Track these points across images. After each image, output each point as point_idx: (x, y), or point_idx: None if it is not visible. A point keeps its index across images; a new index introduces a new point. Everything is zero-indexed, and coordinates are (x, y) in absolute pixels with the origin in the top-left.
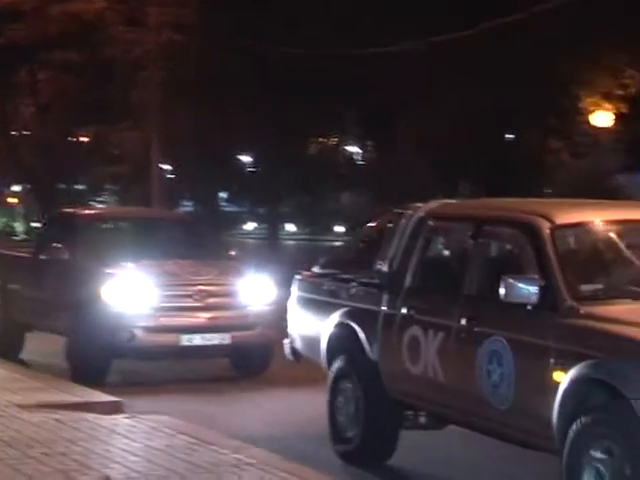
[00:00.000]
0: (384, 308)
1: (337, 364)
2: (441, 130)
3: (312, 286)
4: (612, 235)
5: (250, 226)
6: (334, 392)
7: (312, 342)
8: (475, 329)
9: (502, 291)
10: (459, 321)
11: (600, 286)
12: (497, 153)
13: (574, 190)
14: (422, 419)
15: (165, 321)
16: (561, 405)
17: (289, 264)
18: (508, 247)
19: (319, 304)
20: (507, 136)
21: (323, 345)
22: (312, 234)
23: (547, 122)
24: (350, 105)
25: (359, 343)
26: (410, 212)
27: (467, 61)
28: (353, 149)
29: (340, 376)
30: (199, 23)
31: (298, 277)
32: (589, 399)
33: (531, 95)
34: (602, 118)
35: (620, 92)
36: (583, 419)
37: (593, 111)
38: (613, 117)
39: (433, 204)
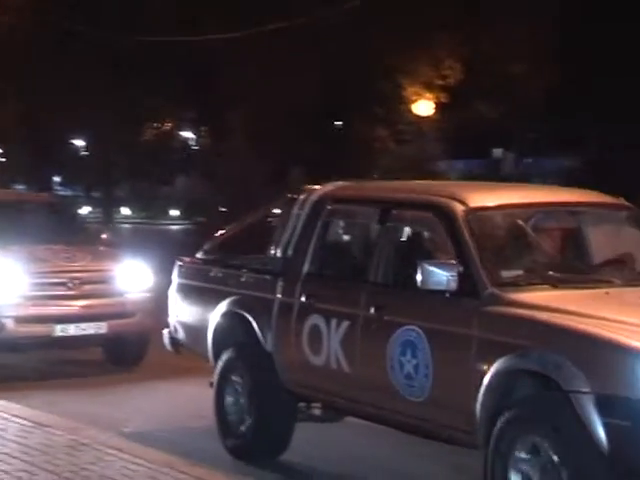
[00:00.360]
0: (279, 296)
1: (226, 355)
2: (270, 118)
3: (196, 273)
4: (528, 219)
5: (85, 210)
6: (222, 385)
7: (196, 332)
8: (385, 318)
9: (419, 277)
10: (367, 310)
11: (520, 272)
12: (327, 140)
13: (399, 175)
14: (316, 411)
15: (37, 310)
16: (485, 398)
17: (160, 249)
18: (419, 232)
19: (204, 292)
20: (336, 123)
21: (209, 336)
22: (148, 218)
23: (373, 111)
24: (184, 90)
25: (251, 333)
26: (305, 195)
27: (295, 50)
28: (188, 134)
29: (229, 368)
30: (27, 5)
31: (179, 263)
32: (517, 391)
33: (357, 85)
34: (424, 107)
35: (440, 82)
36: (508, 413)
37: (415, 100)
38: (434, 106)
39: (330, 186)
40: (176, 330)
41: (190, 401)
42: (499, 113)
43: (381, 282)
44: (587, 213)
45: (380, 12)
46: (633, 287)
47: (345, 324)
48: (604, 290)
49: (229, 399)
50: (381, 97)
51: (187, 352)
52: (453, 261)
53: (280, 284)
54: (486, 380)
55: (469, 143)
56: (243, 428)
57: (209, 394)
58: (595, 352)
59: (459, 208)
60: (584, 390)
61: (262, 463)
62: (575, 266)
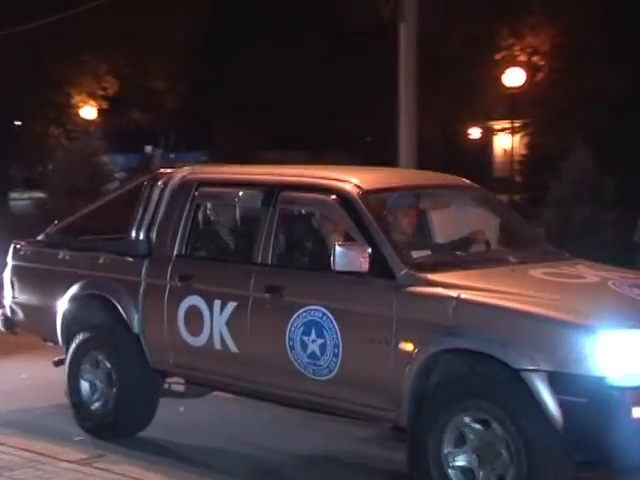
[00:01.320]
0: (146, 278)
1: (81, 337)
2: None
3: (39, 255)
4: (421, 201)
5: None
6: (77, 367)
7: (38, 314)
8: (284, 299)
9: (332, 259)
10: (259, 291)
11: (427, 252)
12: (5, 138)
13: (70, 167)
14: (179, 388)
15: None
16: (413, 376)
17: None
18: (313, 214)
19: (51, 274)
20: (16, 123)
21: (58, 318)
22: None
23: (47, 114)
24: None
25: (114, 315)
26: (165, 178)
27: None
28: None
29: (86, 349)
30: None
31: (18, 245)
32: (442, 370)
33: (35, 92)
34: (89, 112)
35: (101, 92)
36: (439, 391)
37: (82, 106)
38: (97, 111)
39: (194, 169)
40: (13, 312)
41: (39, 379)
42: (148, 119)
43: (272, 263)
44: (458, 194)
45: (51, 33)
46: (529, 264)
47: (231, 305)
48: (509, 268)
49: (85, 380)
50: (54, 103)
51: (24, 333)
52: (364, 243)
53: (146, 266)
54: (414, 358)
55: (127, 141)
56: (101, 408)
57: (56, 371)
58: (541, 330)
59: (354, 190)
60: (535, 368)
61: (123, 440)
62: (467, 246)
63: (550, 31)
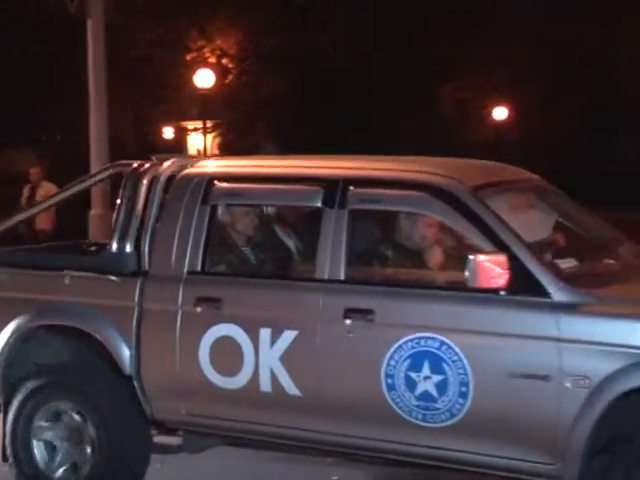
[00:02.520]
0: (144, 303)
1: (33, 385)
2: None
3: None
4: (523, 197)
5: None
6: (27, 424)
7: None
8: (377, 325)
9: (471, 274)
10: (332, 315)
11: (572, 261)
12: None
13: None
14: (176, 441)
15: None
16: (594, 423)
17: None
18: (396, 216)
19: None
20: None
21: None
22: None
23: None
24: None
25: (89, 353)
26: (152, 171)
27: None
28: None
29: (43, 400)
30: None
31: None
32: None
33: None
34: None
35: None
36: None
37: None
38: None
39: (203, 161)
40: None
41: None
42: None
43: (348, 279)
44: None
45: None
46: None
47: (288, 335)
48: None
49: (40, 441)
50: None
51: None
52: (497, 251)
53: (140, 287)
54: (593, 398)
55: None
56: (69, 474)
57: None
58: None
59: (461, 186)
60: None
61: None
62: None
63: (237, 35)
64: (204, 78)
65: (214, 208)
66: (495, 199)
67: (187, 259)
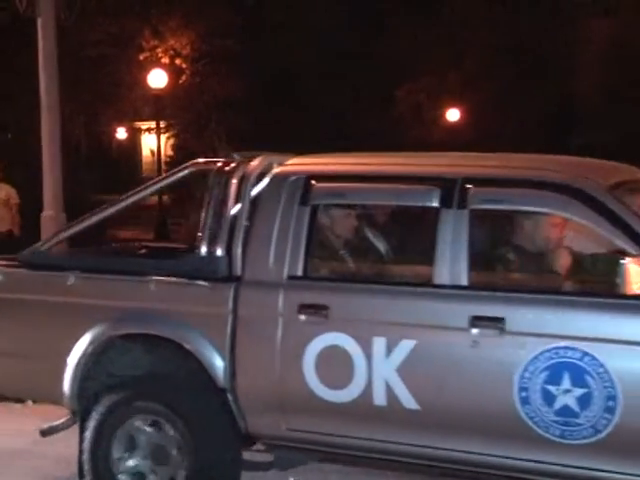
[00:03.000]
0: (240, 309)
1: (114, 398)
2: None
3: (29, 281)
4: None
5: None
6: (106, 439)
7: (18, 367)
8: (508, 334)
9: (618, 279)
10: (455, 323)
11: None
12: None
13: None
14: (266, 457)
15: None
16: None
17: None
18: (523, 217)
19: (51, 308)
20: None
21: (70, 370)
22: None
23: None
24: None
25: (177, 363)
26: (241, 169)
27: None
28: None
29: (126, 415)
30: None
31: None
32: None
33: None
34: None
35: None
36: None
37: None
38: None
39: (299, 159)
40: None
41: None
42: None
43: (472, 285)
44: None
45: None
46: None
47: (406, 344)
48: None
49: (123, 459)
50: None
51: None
52: None
53: (234, 293)
54: None
55: None
56: None
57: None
58: None
59: (598, 186)
60: None
61: None
62: None
63: (190, 35)
64: (157, 78)
65: (314, 209)
66: (627, 199)
67: (287, 263)
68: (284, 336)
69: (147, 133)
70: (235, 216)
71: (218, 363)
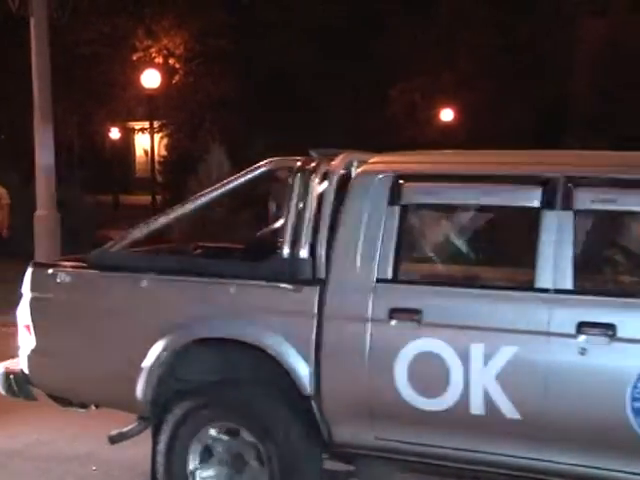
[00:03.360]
0: (326, 313)
1: (189, 405)
2: None
3: (100, 282)
4: None
5: None
6: (182, 447)
7: (89, 371)
8: (619, 340)
9: None
10: (563, 329)
11: None
12: None
13: None
14: (346, 466)
15: None
16: None
17: None
18: (628, 218)
19: (121, 311)
20: None
21: (144, 375)
22: None
23: None
24: None
25: (256, 369)
26: (322, 167)
27: None
28: None
29: (202, 422)
30: None
31: (48, 269)
32: None
33: None
34: None
35: None
36: None
37: None
38: None
39: (383, 157)
40: (34, 368)
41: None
42: None
43: (579, 289)
44: None
45: None
46: None
47: (506, 351)
48: None
49: (198, 470)
50: None
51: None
52: None
53: (319, 296)
54: None
55: None
56: None
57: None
58: None
59: None
60: None
61: None
62: None
63: (184, 35)
64: (151, 78)
65: (404, 209)
66: None
67: (376, 265)
68: (374, 341)
69: (140, 133)
70: (318, 216)
71: (302, 369)
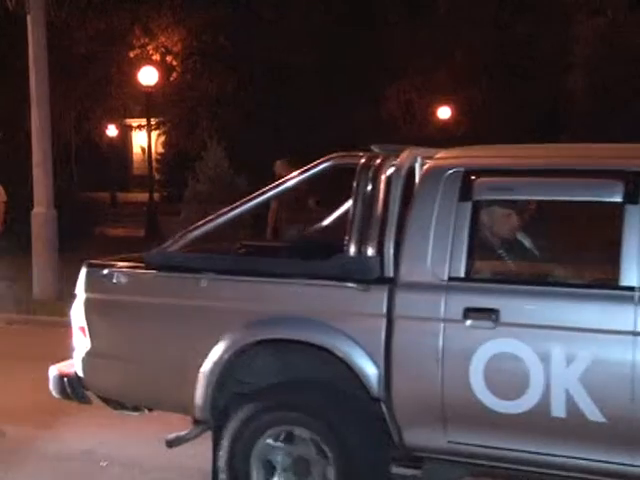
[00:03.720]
0: (396, 313)
1: (253, 407)
2: None
3: (157, 283)
4: None
5: None
6: (245, 451)
7: (145, 374)
8: None
9: None
10: None
11: None
12: None
13: None
14: (412, 471)
15: None
16: None
17: None
18: None
19: (179, 312)
20: None
21: (204, 377)
22: None
23: None
24: None
25: (319, 370)
26: (390, 163)
27: None
28: None
29: (266, 425)
30: None
31: (103, 270)
32: None
33: None
34: None
35: None
36: None
37: None
38: None
39: (461, 151)
40: (90, 371)
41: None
42: None
43: None
44: None
45: None
46: None
47: (590, 352)
48: None
49: (262, 475)
50: None
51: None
52: None
53: (388, 295)
54: None
55: None
56: None
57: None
58: None
59: None
60: None
61: None
62: None
63: (181, 32)
64: (148, 75)
65: (476, 205)
66: None
67: (448, 264)
68: (447, 342)
69: (137, 130)
70: (386, 213)
71: (371, 371)
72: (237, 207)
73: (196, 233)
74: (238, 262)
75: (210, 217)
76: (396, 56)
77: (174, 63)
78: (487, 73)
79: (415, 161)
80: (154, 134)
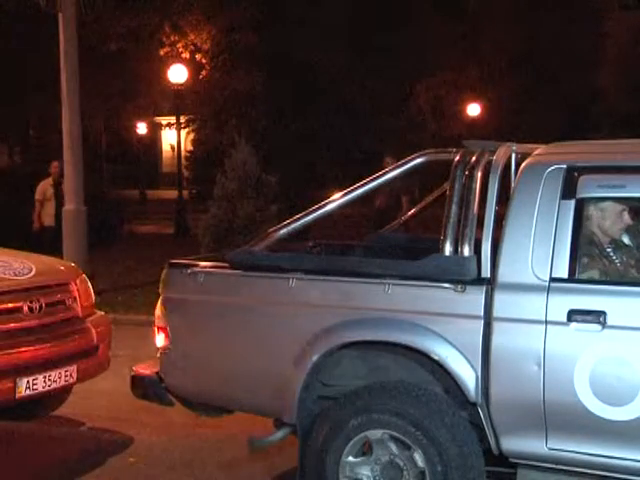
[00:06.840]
0: (495, 315)
1: (346, 416)
2: None
3: (243, 283)
4: None
5: None
6: (334, 457)
7: (231, 376)
8: None
9: None
10: None
11: None
12: None
13: None
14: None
15: None
16: None
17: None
18: None
19: (267, 313)
20: None
21: (295, 382)
22: None
23: None
24: None
25: (413, 374)
26: (486, 158)
27: None
28: None
29: (356, 430)
30: None
31: (187, 269)
32: None
33: None
34: None
35: None
36: None
37: None
38: None
39: (559, 147)
40: (172, 371)
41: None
42: None
43: None
44: None
45: None
46: None
47: None
48: None
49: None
50: None
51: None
52: None
53: (485, 296)
54: None
55: None
56: None
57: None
58: None
59: None
60: None
61: None
62: None
63: (211, 30)
64: (177, 73)
65: (580, 203)
66: None
67: (550, 264)
68: (550, 345)
69: (167, 128)
70: (483, 212)
71: (468, 375)
72: (324, 206)
73: (282, 232)
74: (327, 262)
75: (297, 216)
76: (427, 52)
77: (203, 61)
78: (517, 70)
79: (511, 157)
80: (183, 132)
